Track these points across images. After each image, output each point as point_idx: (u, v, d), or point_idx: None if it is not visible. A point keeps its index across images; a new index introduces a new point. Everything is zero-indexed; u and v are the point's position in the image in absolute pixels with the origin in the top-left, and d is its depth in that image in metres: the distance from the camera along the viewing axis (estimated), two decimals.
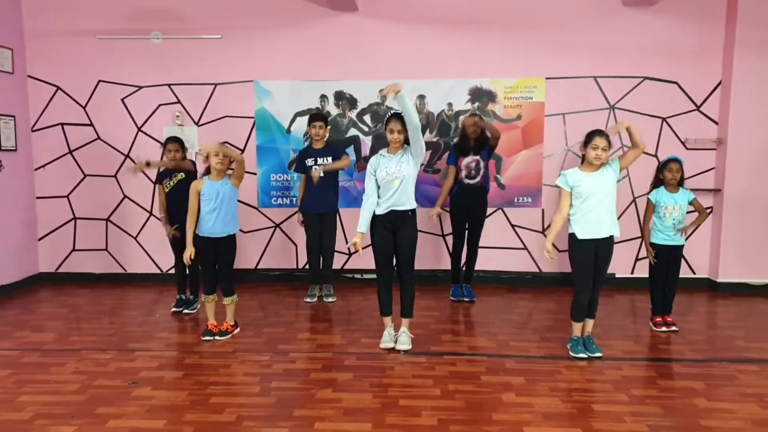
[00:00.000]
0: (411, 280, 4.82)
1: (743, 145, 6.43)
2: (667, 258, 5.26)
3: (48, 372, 4.38)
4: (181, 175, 5.68)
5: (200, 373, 4.36)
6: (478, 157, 5.99)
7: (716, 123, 6.64)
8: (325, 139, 6.10)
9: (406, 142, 4.73)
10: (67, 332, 5.31)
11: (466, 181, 6.03)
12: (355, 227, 6.80)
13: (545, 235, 6.80)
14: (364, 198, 4.76)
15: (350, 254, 6.94)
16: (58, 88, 6.87)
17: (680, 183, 5.23)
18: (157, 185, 5.88)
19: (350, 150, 6.73)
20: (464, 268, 6.32)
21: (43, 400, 3.91)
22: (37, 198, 7.04)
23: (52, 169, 6.99)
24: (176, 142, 5.72)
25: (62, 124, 6.92)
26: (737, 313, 5.89)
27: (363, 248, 4.72)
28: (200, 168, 5.43)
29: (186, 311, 5.82)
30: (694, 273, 6.80)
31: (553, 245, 4.57)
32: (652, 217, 5.26)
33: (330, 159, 6.00)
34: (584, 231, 4.52)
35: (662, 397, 3.95)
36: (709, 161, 6.66)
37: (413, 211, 4.73)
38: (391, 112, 4.93)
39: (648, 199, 5.29)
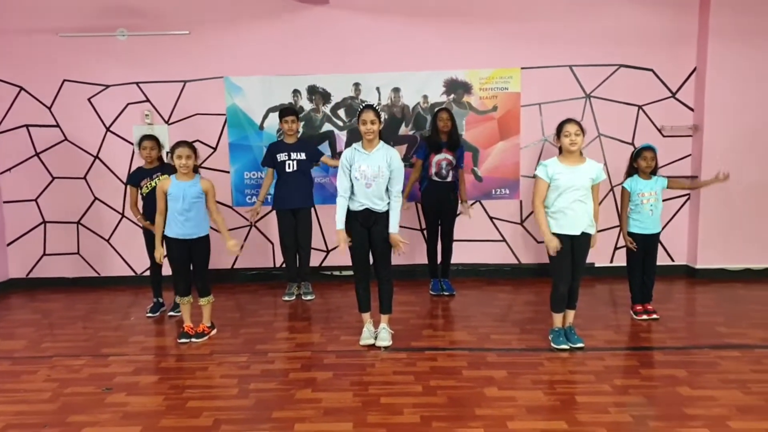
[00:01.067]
0: (388, 276, 4.75)
1: (719, 131, 6.45)
2: (644, 246, 5.26)
3: (19, 380, 4.25)
4: (165, 177, 5.32)
5: (177, 376, 4.25)
6: (450, 157, 5.92)
7: (692, 110, 6.65)
8: (298, 134, 5.99)
9: (381, 137, 4.64)
10: (38, 339, 5.16)
11: (436, 178, 5.96)
12: (331, 224, 6.72)
13: (523, 227, 6.79)
14: (339, 194, 4.65)
15: (328, 251, 6.86)
16: (22, 88, 6.67)
17: (654, 171, 5.23)
18: (129, 186, 5.64)
19: (325, 146, 6.62)
20: (441, 263, 6.26)
21: (14, 409, 3.79)
22: (4, 202, 6.84)
23: (18, 172, 6.79)
24: (152, 139, 5.53)
25: (27, 126, 6.72)
26: (716, 299, 5.91)
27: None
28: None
29: (171, 313, 5.68)
30: (672, 260, 6.82)
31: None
32: (628, 206, 5.24)
33: (303, 154, 5.89)
34: (558, 226, 4.48)
35: (645, 386, 3.93)
36: (686, 148, 6.66)
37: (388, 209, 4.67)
38: (365, 104, 4.84)
39: (623, 188, 5.27)
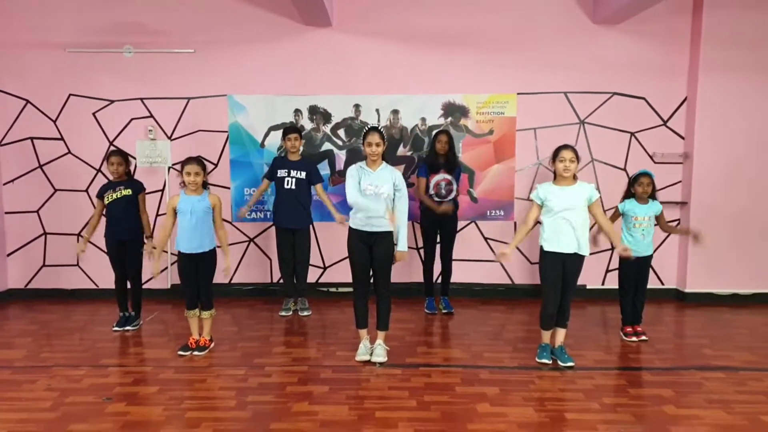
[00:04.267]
0: (387, 293, 4.84)
1: (708, 159, 6.62)
2: (636, 269, 5.36)
3: (20, 389, 4.32)
4: (127, 191, 5.60)
5: (175, 388, 4.33)
6: (449, 177, 6.05)
7: (682, 138, 6.81)
8: (300, 151, 6.13)
9: (384, 158, 4.78)
10: (37, 349, 5.22)
11: (436, 198, 6.08)
12: (330, 242, 6.88)
13: (518, 248, 6.87)
14: (352, 211, 4.76)
15: (325, 267, 6.95)
16: (28, 101, 6.79)
17: (651, 196, 5.35)
18: (97, 199, 5.69)
19: (324, 164, 6.75)
20: (440, 281, 6.38)
21: (16, 417, 3.86)
22: (6, 213, 6.93)
23: (21, 183, 6.89)
24: (119, 155, 5.64)
25: (32, 138, 6.83)
26: (704, 323, 6.03)
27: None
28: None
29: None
30: (662, 284, 6.94)
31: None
32: (615, 220, 5.35)
33: (303, 174, 6.01)
34: (551, 243, 4.64)
35: (633, 405, 4.03)
36: (676, 175, 6.82)
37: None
38: (369, 126, 4.97)
39: (617, 207, 5.41)
